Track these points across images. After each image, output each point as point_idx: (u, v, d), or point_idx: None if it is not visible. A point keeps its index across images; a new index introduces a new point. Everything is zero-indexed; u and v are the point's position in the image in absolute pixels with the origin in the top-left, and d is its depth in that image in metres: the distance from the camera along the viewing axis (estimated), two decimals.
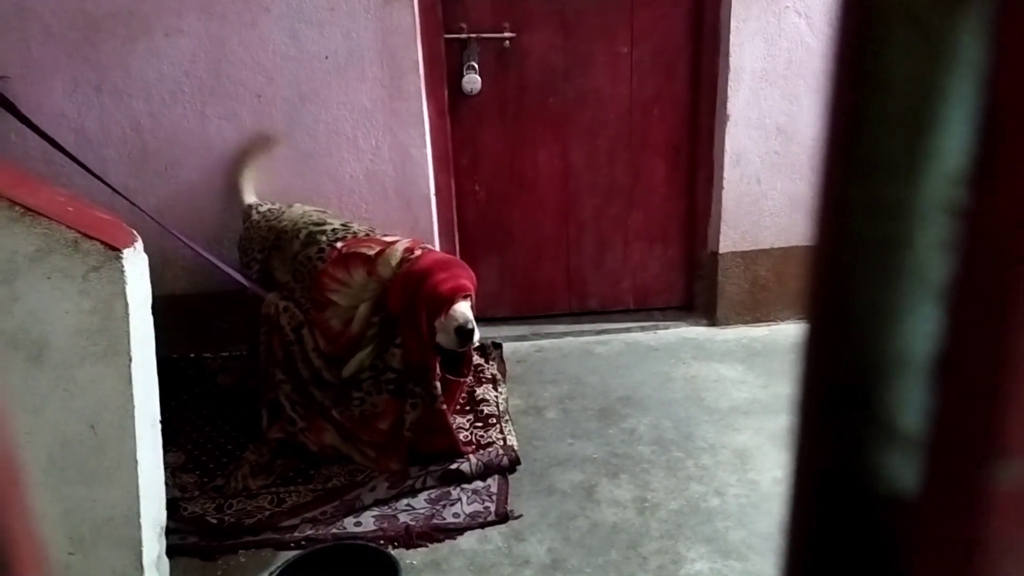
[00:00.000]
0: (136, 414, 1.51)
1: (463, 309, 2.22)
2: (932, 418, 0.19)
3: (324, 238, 2.42)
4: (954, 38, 0.18)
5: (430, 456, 2.34)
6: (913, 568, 0.19)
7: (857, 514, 0.21)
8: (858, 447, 0.21)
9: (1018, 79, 0.17)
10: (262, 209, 2.66)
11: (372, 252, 2.32)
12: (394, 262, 2.30)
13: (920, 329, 0.20)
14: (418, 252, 2.33)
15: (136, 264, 1.52)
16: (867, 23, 0.18)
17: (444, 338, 2.23)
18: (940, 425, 0.19)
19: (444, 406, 2.31)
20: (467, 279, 2.29)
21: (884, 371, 0.21)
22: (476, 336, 2.25)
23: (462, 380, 2.46)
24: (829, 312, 0.21)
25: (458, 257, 3.14)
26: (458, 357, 2.39)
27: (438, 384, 2.30)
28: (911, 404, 0.21)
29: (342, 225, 2.49)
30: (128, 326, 1.48)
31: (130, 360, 1.49)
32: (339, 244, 2.39)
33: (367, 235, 2.46)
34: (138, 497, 1.55)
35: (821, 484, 0.22)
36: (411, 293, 2.23)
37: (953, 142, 0.19)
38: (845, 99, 0.19)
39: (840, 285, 0.20)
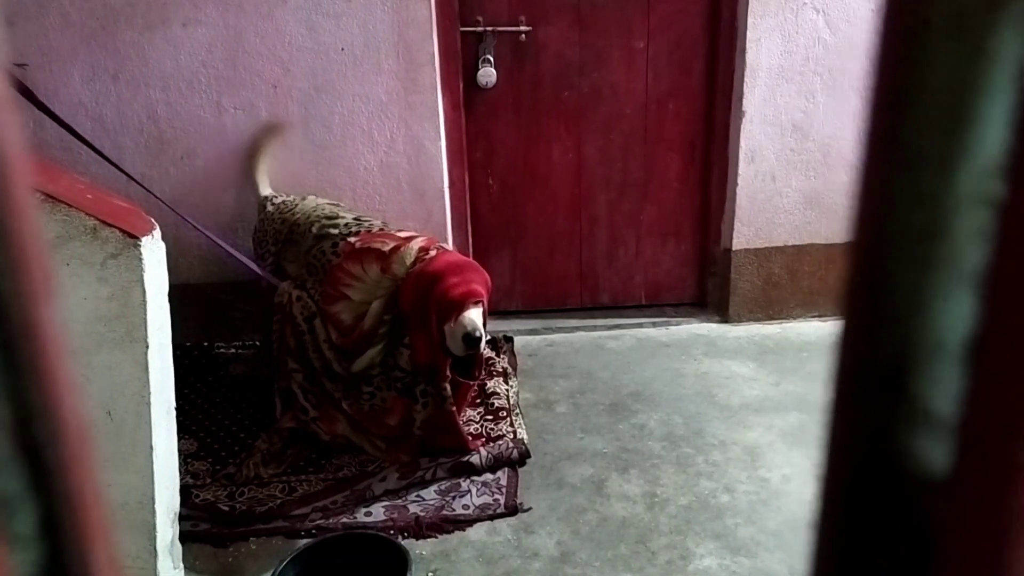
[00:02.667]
0: (152, 400, 1.53)
1: (472, 316, 2.19)
2: (965, 398, 0.20)
3: (337, 232, 2.43)
4: (995, 35, 0.18)
5: (440, 449, 2.35)
6: (947, 545, 0.20)
7: (889, 495, 0.22)
8: (891, 430, 0.22)
9: None
10: (276, 201, 2.67)
11: (387, 248, 2.32)
12: (409, 260, 2.29)
13: (954, 316, 0.20)
14: (433, 252, 2.32)
15: (154, 252, 1.53)
16: (911, 19, 0.19)
17: (452, 343, 2.22)
18: (973, 404, 0.20)
19: (453, 407, 2.31)
20: (480, 284, 2.27)
21: (918, 357, 0.21)
22: (483, 344, 2.24)
23: (472, 382, 2.46)
24: (866, 299, 0.21)
25: (471, 252, 3.15)
26: (470, 359, 2.38)
27: (448, 386, 2.30)
28: (944, 389, 0.21)
29: (355, 219, 2.49)
30: (145, 313, 1.49)
31: (147, 347, 1.50)
32: (353, 239, 2.39)
33: (381, 230, 2.46)
34: (153, 482, 1.56)
35: (854, 466, 0.22)
36: (423, 294, 2.22)
37: (990, 136, 0.19)
38: (888, 93, 0.20)
39: (878, 273, 0.21)
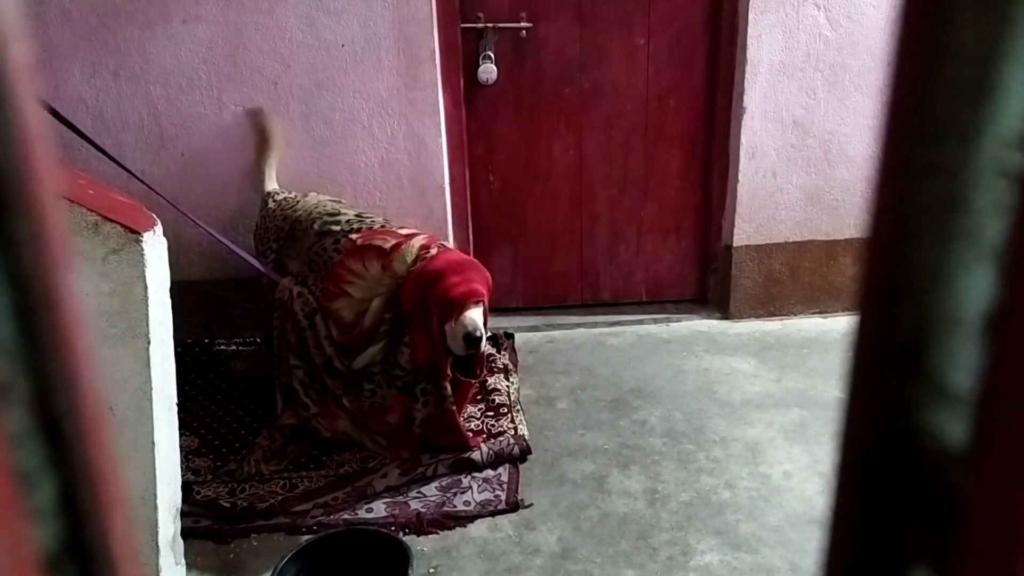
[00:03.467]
0: (154, 396, 1.53)
1: (473, 316, 2.19)
2: (983, 373, 0.20)
3: (338, 228, 2.42)
4: (1020, 4, 0.18)
5: (440, 447, 2.35)
6: (966, 518, 0.20)
7: (908, 470, 0.22)
8: (910, 405, 0.22)
9: None
10: (278, 198, 2.67)
11: (388, 246, 2.32)
12: (409, 259, 2.29)
13: (973, 290, 0.21)
14: (434, 250, 2.31)
15: (155, 247, 1.53)
16: None
17: (453, 343, 2.22)
18: (991, 379, 0.20)
19: (453, 407, 2.31)
20: (480, 283, 2.26)
21: (937, 331, 0.21)
22: (484, 343, 2.24)
23: (473, 381, 2.46)
24: (885, 273, 0.21)
25: (472, 248, 3.15)
26: (470, 358, 2.37)
27: (448, 385, 2.30)
28: (962, 363, 0.21)
29: (356, 216, 2.49)
30: (147, 309, 1.49)
31: (148, 342, 1.50)
32: (354, 236, 2.39)
33: (382, 227, 2.46)
34: (155, 478, 1.56)
35: (872, 441, 0.22)
36: (423, 294, 2.22)
37: (1012, 106, 0.19)
38: (909, 64, 0.20)
39: (896, 246, 0.21)
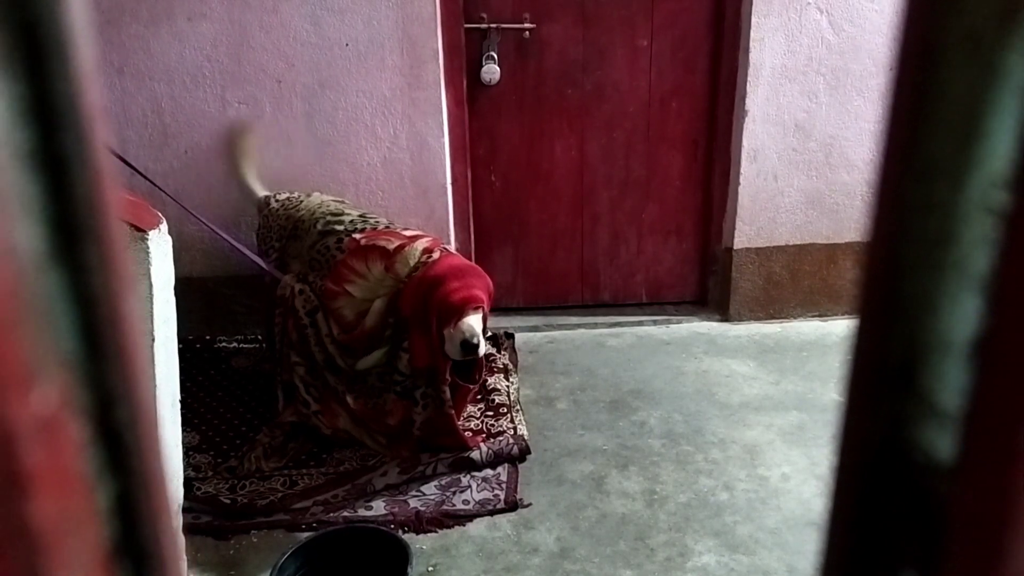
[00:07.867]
0: (158, 393, 1.54)
1: (472, 322, 2.18)
2: (970, 393, 0.22)
3: (342, 228, 2.43)
4: (1006, 57, 0.20)
5: (439, 447, 2.36)
6: (953, 527, 0.21)
7: (900, 483, 0.23)
8: (902, 422, 0.23)
9: None
10: (280, 198, 2.67)
11: (391, 247, 2.32)
12: (412, 260, 2.29)
13: (961, 316, 0.22)
14: (436, 254, 2.31)
15: (160, 245, 1.54)
16: (929, 41, 0.20)
17: (451, 348, 2.22)
18: (977, 398, 0.21)
19: (452, 411, 2.32)
20: (481, 289, 2.25)
21: (927, 354, 0.23)
22: (482, 350, 2.24)
23: (472, 386, 2.47)
24: (880, 300, 0.23)
25: (473, 248, 3.16)
26: (470, 363, 2.37)
27: (447, 389, 2.31)
28: (951, 384, 0.23)
29: (360, 216, 2.50)
30: (152, 306, 1.50)
31: (153, 340, 1.51)
32: (358, 235, 2.39)
33: (387, 227, 2.46)
34: None
35: (866, 455, 0.24)
36: (423, 298, 2.22)
37: (999, 150, 0.21)
38: (905, 108, 0.22)
39: (891, 275, 0.22)
